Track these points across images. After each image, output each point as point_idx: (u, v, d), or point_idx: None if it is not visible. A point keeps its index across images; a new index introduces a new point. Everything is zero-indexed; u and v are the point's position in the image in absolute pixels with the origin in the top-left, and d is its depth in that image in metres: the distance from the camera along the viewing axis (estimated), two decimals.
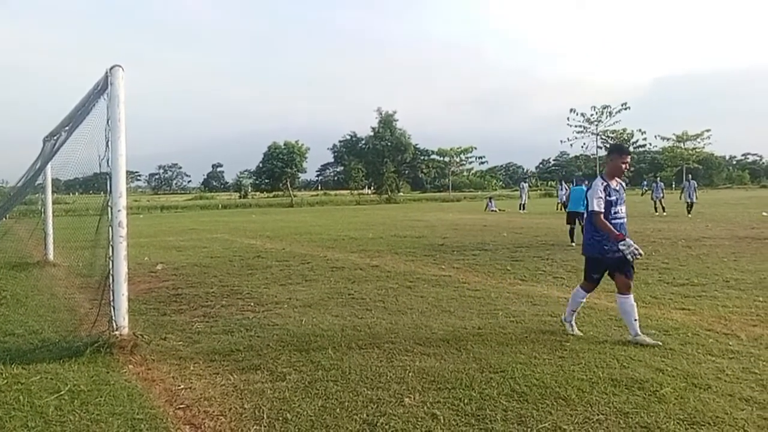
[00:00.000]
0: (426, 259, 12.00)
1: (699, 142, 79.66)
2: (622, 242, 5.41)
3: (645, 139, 78.89)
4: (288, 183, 66.89)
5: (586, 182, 15.25)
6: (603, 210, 5.58)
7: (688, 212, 24.23)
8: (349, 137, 76.28)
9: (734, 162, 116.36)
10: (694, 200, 25.25)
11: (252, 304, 7.69)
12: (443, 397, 4.15)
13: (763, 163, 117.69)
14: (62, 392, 4.40)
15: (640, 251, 5.39)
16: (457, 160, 77.53)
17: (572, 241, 14.64)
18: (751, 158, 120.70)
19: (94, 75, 6.19)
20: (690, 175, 28.38)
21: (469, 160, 79.85)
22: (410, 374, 4.67)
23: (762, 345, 5.31)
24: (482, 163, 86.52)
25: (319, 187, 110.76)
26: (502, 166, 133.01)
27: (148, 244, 16.50)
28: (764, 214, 23.68)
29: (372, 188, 73.35)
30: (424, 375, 4.65)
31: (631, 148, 78.84)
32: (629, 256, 5.40)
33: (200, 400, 4.23)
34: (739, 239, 14.46)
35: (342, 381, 4.55)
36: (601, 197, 5.62)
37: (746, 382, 4.36)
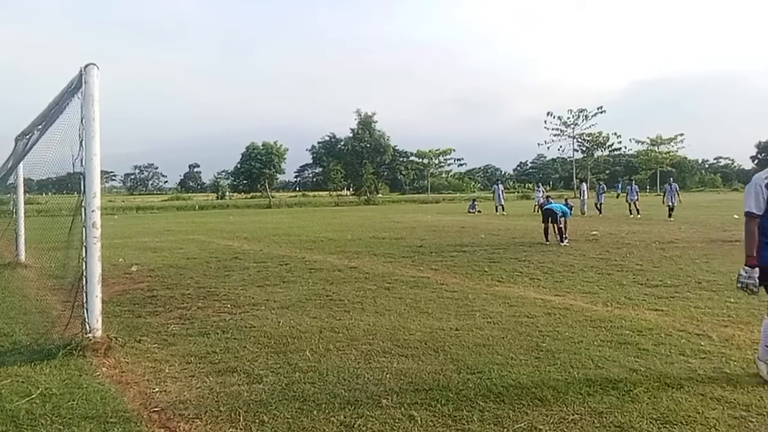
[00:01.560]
0: (404, 260, 12.02)
1: (673, 146, 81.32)
2: (746, 267, 4.42)
3: (620, 142, 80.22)
4: (266, 184, 66.46)
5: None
6: (761, 212, 4.36)
7: (669, 216, 23.79)
8: (327, 138, 76.13)
9: (707, 165, 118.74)
10: (676, 204, 24.62)
11: (229, 305, 7.63)
12: (420, 399, 4.16)
13: (735, 166, 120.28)
14: (33, 396, 4.32)
15: (755, 288, 4.38)
16: (436, 162, 78.01)
17: (546, 239, 15.04)
18: (723, 162, 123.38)
19: (69, 73, 6.10)
20: (671, 179, 27.07)
21: (448, 162, 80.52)
22: (388, 376, 4.68)
23: (733, 345, 5.41)
24: (461, 165, 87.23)
25: (298, 189, 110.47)
26: (480, 168, 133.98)
27: (122, 245, 16.27)
28: (736, 216, 24.14)
29: (351, 190, 73.34)
30: (401, 376, 4.65)
31: (606, 152, 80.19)
32: (740, 286, 4.45)
33: (175, 402, 4.19)
34: (711, 241, 14.75)
35: (319, 383, 4.54)
36: (760, 195, 4.37)
37: (718, 381, 4.44)
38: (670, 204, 24.32)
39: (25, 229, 12.63)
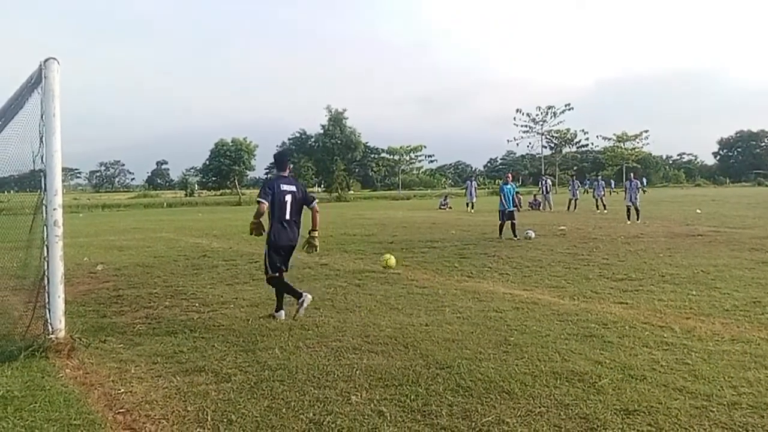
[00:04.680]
0: (375, 257, 12.01)
1: (638, 142, 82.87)
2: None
3: (587, 139, 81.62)
4: (236, 181, 65.78)
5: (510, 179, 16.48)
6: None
7: (628, 217, 20.30)
8: (298, 135, 75.71)
9: (671, 161, 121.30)
10: (638, 203, 20.41)
11: (197, 304, 7.54)
12: (390, 394, 4.18)
13: (698, 162, 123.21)
14: None
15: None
16: (407, 158, 78.14)
17: (500, 236, 15.45)
18: (686, 158, 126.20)
19: (29, 68, 5.94)
20: (633, 174, 22.36)
21: (419, 158, 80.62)
22: (357, 372, 4.68)
23: (695, 337, 5.55)
24: (432, 161, 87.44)
25: None
26: (451, 164, 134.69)
27: (88, 243, 15.94)
28: (698, 211, 24.77)
29: (322, 186, 72.97)
30: (371, 372, 4.66)
31: (574, 148, 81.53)
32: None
33: (141, 403, 4.12)
34: (675, 236, 15.09)
35: (288, 381, 4.52)
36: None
37: (680, 372, 4.56)
38: (630, 203, 20.52)
39: None
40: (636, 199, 20.46)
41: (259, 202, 6.62)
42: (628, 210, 20.57)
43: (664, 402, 3.95)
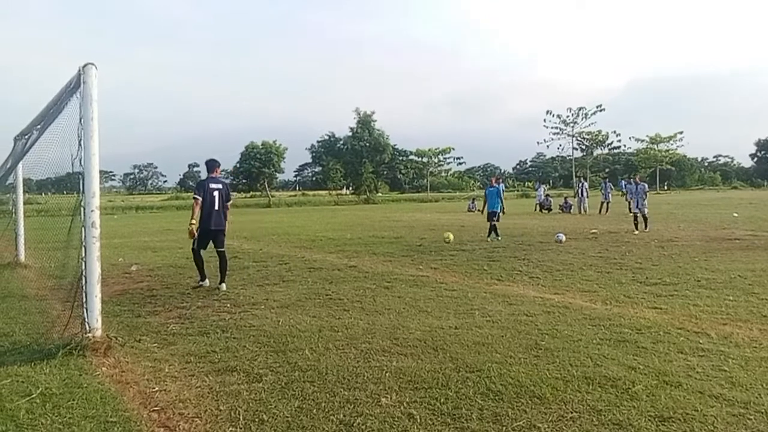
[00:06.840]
0: (404, 259, 12.02)
1: (672, 144, 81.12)
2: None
3: (620, 140, 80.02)
4: (266, 183, 66.36)
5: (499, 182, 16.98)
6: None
7: (636, 227, 17.62)
8: (327, 137, 76.08)
9: (706, 164, 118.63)
10: (645, 210, 17.78)
11: (228, 305, 7.64)
12: (420, 397, 4.17)
13: (734, 164, 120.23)
14: (34, 395, 4.33)
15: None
16: (435, 160, 77.90)
17: (489, 236, 15.95)
18: (722, 160, 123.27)
19: (67, 73, 6.10)
20: (637, 176, 19.46)
21: (447, 160, 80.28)
22: (387, 374, 4.69)
23: (731, 343, 5.42)
24: (460, 164, 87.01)
25: (297, 188, 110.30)
26: (479, 166, 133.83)
27: (122, 245, 16.28)
28: (735, 215, 24.17)
29: (350, 189, 73.26)
30: (400, 375, 4.66)
31: (606, 150, 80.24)
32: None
33: (175, 402, 4.20)
34: (711, 239, 14.75)
35: (319, 382, 4.55)
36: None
37: (716, 379, 4.46)
38: (637, 210, 17.82)
39: (25, 229, 12.63)
40: (643, 205, 17.84)
41: (195, 198, 8.74)
42: (636, 218, 17.93)
43: (700, 409, 3.86)
